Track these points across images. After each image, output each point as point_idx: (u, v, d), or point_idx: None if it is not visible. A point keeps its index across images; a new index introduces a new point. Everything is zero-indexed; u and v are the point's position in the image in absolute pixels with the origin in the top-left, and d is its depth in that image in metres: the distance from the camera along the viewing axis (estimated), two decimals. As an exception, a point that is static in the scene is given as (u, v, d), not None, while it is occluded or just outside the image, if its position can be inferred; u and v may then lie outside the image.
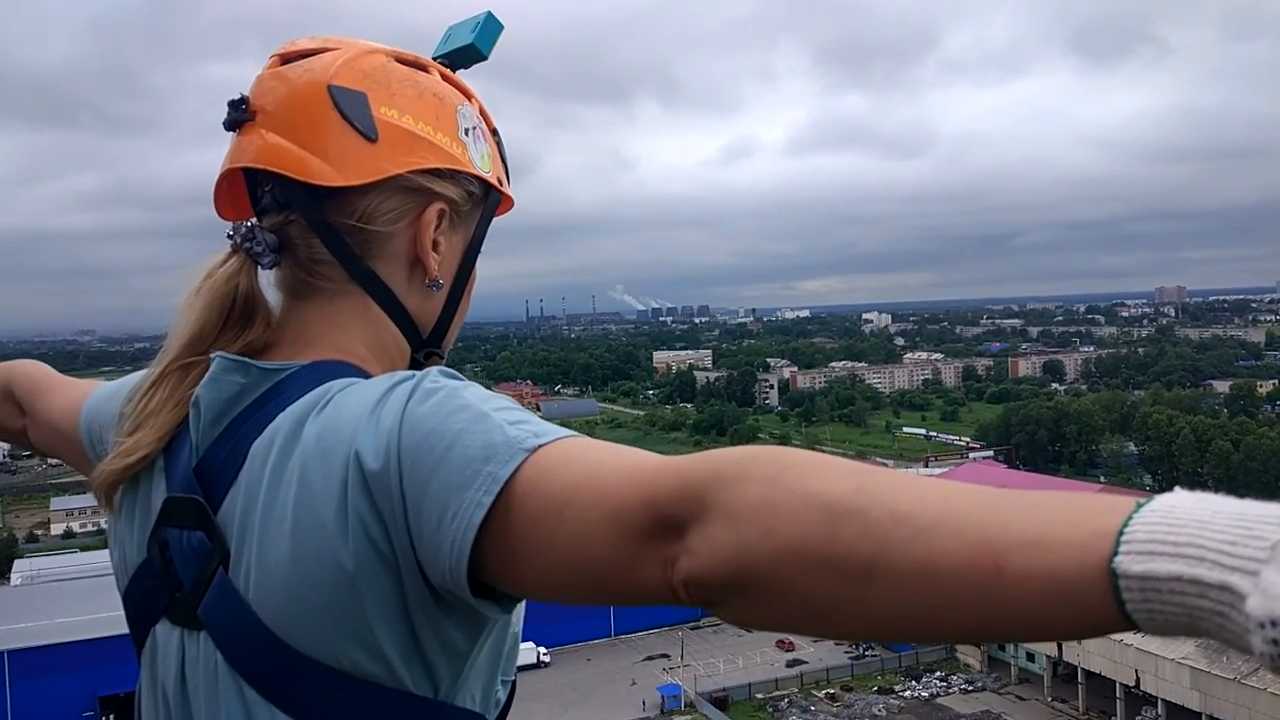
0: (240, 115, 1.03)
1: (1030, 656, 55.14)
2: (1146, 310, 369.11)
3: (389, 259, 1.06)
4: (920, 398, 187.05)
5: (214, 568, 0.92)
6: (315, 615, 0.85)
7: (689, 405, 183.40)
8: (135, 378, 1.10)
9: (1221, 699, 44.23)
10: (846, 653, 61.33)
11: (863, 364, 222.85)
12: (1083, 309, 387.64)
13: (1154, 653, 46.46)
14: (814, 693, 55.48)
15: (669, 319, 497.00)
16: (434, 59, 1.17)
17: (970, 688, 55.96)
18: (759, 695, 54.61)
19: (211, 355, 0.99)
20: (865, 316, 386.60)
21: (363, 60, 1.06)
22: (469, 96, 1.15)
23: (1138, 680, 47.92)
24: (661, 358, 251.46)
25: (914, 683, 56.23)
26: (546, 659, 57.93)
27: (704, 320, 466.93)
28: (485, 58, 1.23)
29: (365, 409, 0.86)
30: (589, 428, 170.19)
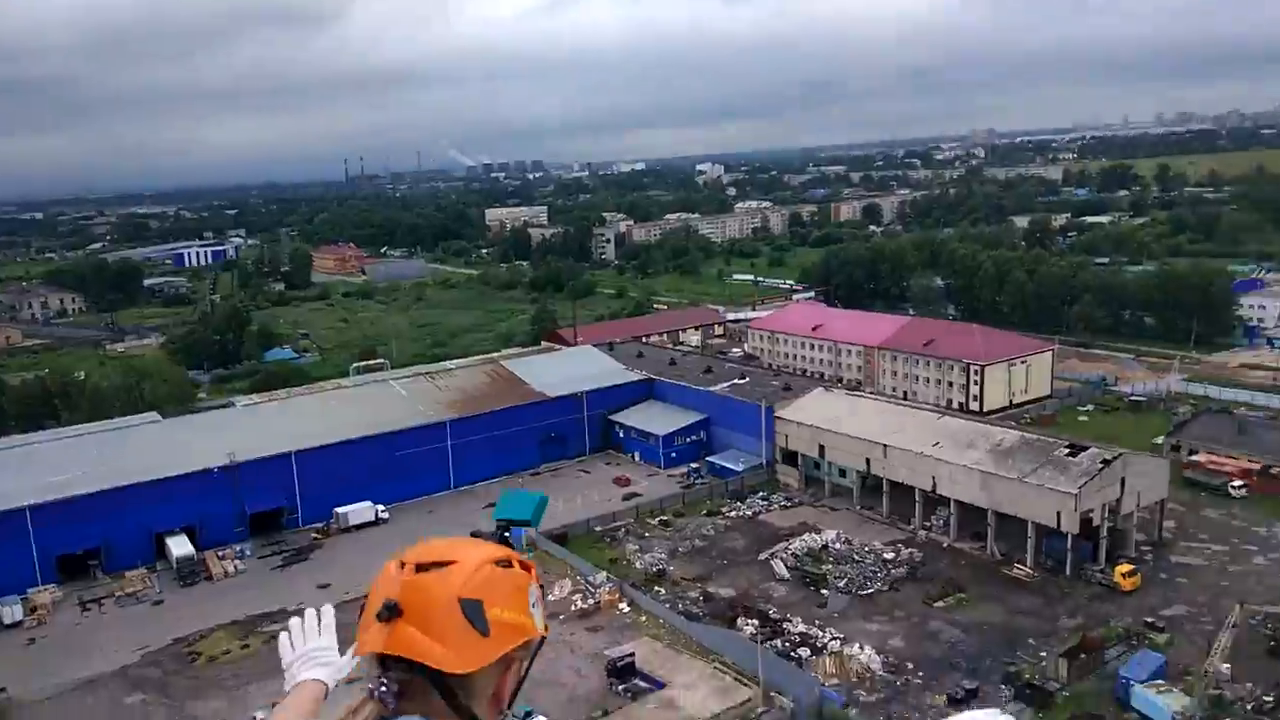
0: (394, 614, 1.71)
1: (842, 472, 59.74)
2: (959, 153, 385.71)
3: (480, 700, 1.78)
4: (750, 245, 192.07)
5: None
6: None
7: (524, 263, 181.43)
8: None
9: (1003, 497, 49.67)
10: (679, 483, 64.65)
11: (696, 215, 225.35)
12: (901, 153, 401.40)
13: (948, 460, 51.25)
14: (648, 520, 58.55)
15: (500, 175, 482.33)
16: (495, 519, 2.46)
17: (789, 504, 60.47)
18: (598, 529, 57.23)
19: None
20: (699, 168, 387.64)
21: (479, 573, 1.76)
22: (529, 570, 1.90)
23: (934, 485, 52.94)
24: (494, 215, 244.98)
25: (739, 504, 60.22)
26: (385, 515, 58.40)
27: (537, 175, 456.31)
28: (536, 528, 2.31)
29: None
30: (419, 289, 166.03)
